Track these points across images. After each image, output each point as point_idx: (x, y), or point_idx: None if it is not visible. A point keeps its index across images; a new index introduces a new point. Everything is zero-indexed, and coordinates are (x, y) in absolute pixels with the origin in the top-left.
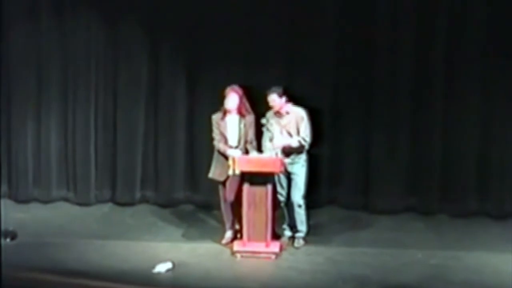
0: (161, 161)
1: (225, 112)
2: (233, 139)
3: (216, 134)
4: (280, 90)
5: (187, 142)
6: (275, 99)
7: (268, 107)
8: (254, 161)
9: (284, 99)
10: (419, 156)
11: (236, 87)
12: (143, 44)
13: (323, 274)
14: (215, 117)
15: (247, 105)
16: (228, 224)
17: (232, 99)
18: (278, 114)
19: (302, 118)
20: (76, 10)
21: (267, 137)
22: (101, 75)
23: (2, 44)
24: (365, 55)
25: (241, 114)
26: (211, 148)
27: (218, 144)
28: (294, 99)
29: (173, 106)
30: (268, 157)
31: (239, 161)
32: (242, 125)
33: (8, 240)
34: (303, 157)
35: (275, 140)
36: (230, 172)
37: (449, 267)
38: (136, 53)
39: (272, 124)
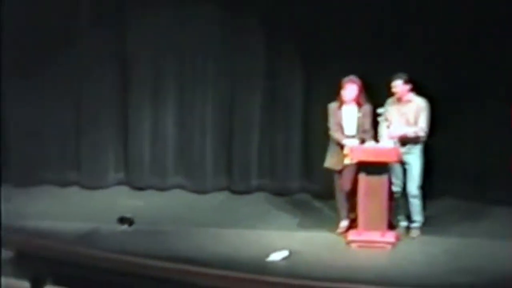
0: (277, 150)
1: (341, 102)
2: (349, 129)
3: (332, 124)
4: (406, 76)
5: (303, 132)
6: (399, 85)
7: (387, 96)
8: (370, 151)
9: (408, 86)
10: None
11: (354, 78)
12: (260, 35)
13: (439, 266)
14: (332, 106)
15: (365, 95)
16: (343, 214)
17: (350, 89)
18: (399, 101)
19: (423, 108)
20: (195, 0)
21: (384, 126)
22: (218, 64)
23: (122, 33)
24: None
25: (358, 104)
26: (327, 137)
27: (334, 134)
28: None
29: (289, 95)
30: (384, 146)
31: (355, 150)
32: (359, 115)
33: (125, 226)
34: (419, 147)
35: (392, 128)
36: (346, 162)
37: None
38: (253, 43)
39: (390, 112)
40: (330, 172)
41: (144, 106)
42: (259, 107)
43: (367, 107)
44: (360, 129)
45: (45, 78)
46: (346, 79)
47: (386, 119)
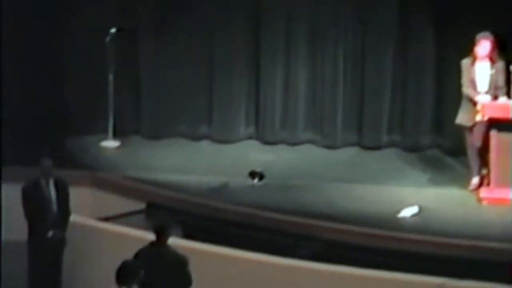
0: (408, 106)
1: (474, 58)
2: (482, 85)
3: (465, 80)
4: None
5: (435, 88)
6: None
7: None
8: (503, 107)
9: None
10: None
11: (488, 34)
12: None
13: None
14: (465, 63)
15: (498, 52)
16: (475, 170)
17: (484, 46)
18: None
19: None
20: None
21: None
22: (349, 19)
23: None
24: None
25: (491, 60)
26: (459, 94)
27: (467, 90)
28: None
29: (421, 51)
30: None
31: (487, 107)
32: (492, 72)
33: (255, 180)
34: None
35: None
36: (478, 118)
37: None
38: None
39: None
40: (461, 129)
41: (276, 62)
42: (391, 61)
43: (501, 64)
44: (493, 86)
45: (179, 34)
46: (479, 35)
47: None
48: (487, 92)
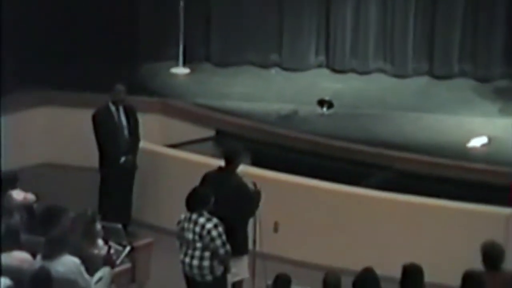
0: (479, 35)
1: None
2: None
3: None
4: None
5: (507, 17)
6: None
7: None
8: None
9: None
10: None
11: None
12: None
13: None
14: None
15: None
16: None
17: None
18: None
19: None
20: None
21: None
22: None
23: None
24: None
25: None
26: None
27: None
28: None
29: None
30: None
31: None
32: None
33: (324, 109)
34: None
35: None
36: None
37: None
38: None
39: None
40: None
41: None
42: None
43: None
44: None
45: None
46: None
47: None
48: None
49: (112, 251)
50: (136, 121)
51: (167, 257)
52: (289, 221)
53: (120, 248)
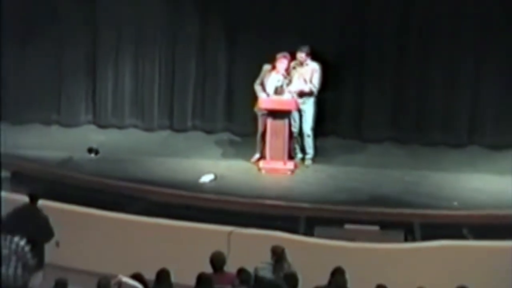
0: (206, 97)
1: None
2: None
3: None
4: (307, 49)
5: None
6: (302, 56)
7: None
8: (275, 101)
9: (307, 55)
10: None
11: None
12: None
13: (325, 186)
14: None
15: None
16: (258, 148)
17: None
18: (300, 64)
19: (316, 70)
20: None
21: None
22: None
23: None
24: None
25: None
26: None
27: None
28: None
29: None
30: (287, 98)
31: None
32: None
33: (92, 155)
34: (312, 99)
35: (292, 86)
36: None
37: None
38: None
39: (293, 73)
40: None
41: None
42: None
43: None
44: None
45: None
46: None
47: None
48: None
49: None
50: None
51: None
52: (70, 239)
53: None
